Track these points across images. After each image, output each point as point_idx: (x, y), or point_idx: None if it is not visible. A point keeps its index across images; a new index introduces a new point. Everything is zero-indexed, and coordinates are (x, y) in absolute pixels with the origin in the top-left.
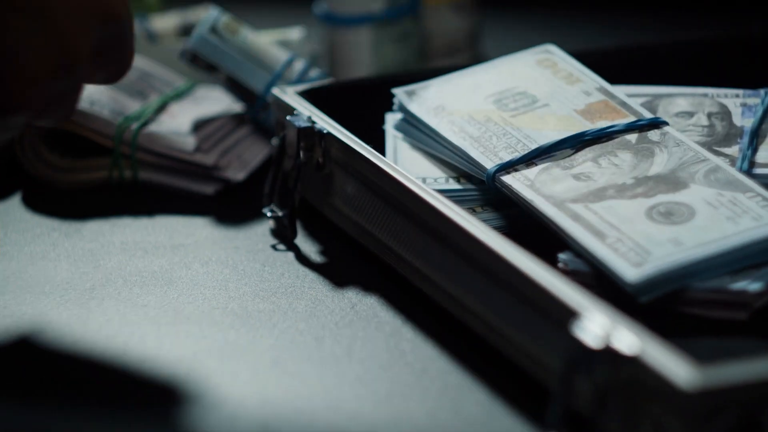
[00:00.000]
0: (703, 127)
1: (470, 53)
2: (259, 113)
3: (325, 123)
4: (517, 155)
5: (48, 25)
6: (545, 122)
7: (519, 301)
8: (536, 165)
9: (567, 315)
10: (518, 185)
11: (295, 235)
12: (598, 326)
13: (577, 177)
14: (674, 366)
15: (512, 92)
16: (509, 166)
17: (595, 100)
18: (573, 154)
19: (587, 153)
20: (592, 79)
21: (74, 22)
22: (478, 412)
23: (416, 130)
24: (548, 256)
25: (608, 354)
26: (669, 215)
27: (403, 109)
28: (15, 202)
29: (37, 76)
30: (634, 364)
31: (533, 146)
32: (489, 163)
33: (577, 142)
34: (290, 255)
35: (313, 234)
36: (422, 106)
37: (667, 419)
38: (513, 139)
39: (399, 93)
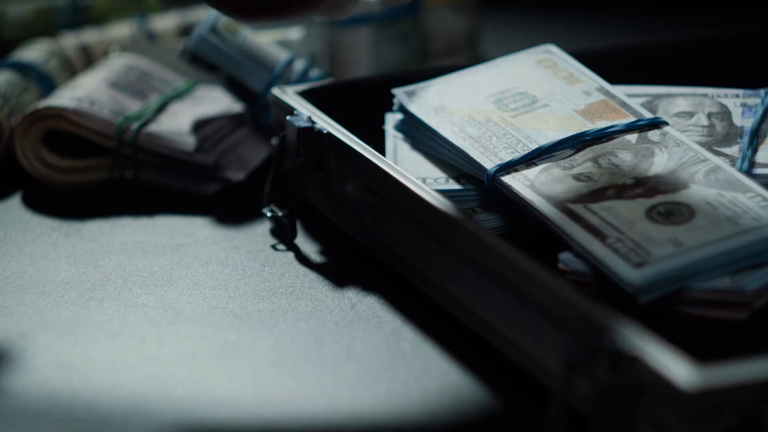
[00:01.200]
0: (703, 127)
1: (470, 53)
2: (259, 113)
3: (325, 123)
4: (516, 156)
5: None
6: (545, 122)
7: (519, 301)
8: (536, 165)
9: (567, 315)
10: (518, 186)
11: (295, 235)
12: (598, 326)
13: (577, 177)
14: (674, 366)
15: (512, 92)
16: (509, 167)
17: (595, 100)
18: (573, 154)
19: (587, 153)
20: (591, 79)
21: None
22: (478, 412)
23: (416, 131)
24: (548, 256)
25: (608, 354)
26: (669, 215)
27: (402, 109)
28: (15, 202)
29: None
30: (634, 364)
31: (533, 146)
32: (489, 164)
33: (577, 143)
34: (290, 255)
35: (313, 234)
36: (422, 106)
37: (667, 419)
38: (513, 139)
39: (399, 93)
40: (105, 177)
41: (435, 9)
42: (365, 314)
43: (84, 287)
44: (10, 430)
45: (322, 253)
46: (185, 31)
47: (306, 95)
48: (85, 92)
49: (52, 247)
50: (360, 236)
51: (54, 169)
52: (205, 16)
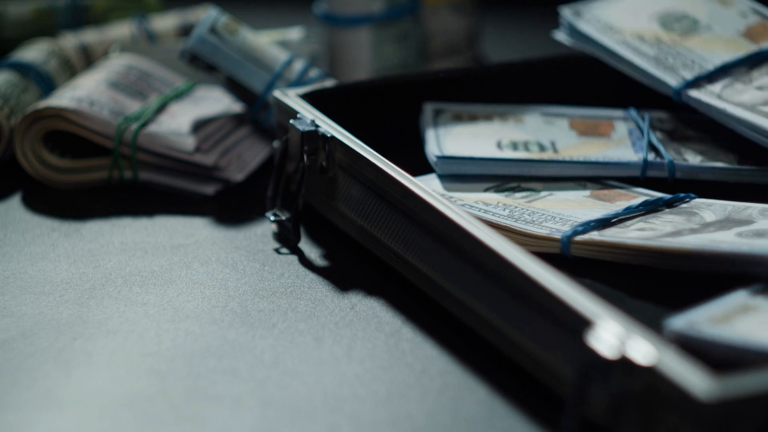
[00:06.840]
0: None
1: (470, 53)
2: (258, 113)
3: (329, 126)
4: (701, 72)
5: None
6: (714, 44)
7: (531, 309)
8: (717, 82)
9: (581, 324)
10: (707, 98)
11: (299, 239)
12: (613, 335)
13: (760, 88)
14: (691, 376)
15: (674, 14)
16: (693, 83)
17: (753, 21)
18: (749, 71)
19: (763, 69)
20: (744, 1)
21: None
22: (478, 412)
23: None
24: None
25: (624, 363)
26: None
27: (572, 28)
28: (15, 202)
29: None
30: (650, 373)
31: (708, 66)
32: (673, 81)
33: (756, 62)
34: (290, 255)
35: (313, 235)
36: (591, 26)
37: (685, 430)
38: (687, 59)
39: (566, 13)
40: (105, 177)
41: (435, 9)
42: (365, 314)
43: (84, 287)
44: (11, 431)
45: (322, 253)
46: (185, 31)
47: (308, 98)
48: (85, 92)
49: (52, 247)
50: (364, 240)
51: (54, 169)
52: (205, 16)
